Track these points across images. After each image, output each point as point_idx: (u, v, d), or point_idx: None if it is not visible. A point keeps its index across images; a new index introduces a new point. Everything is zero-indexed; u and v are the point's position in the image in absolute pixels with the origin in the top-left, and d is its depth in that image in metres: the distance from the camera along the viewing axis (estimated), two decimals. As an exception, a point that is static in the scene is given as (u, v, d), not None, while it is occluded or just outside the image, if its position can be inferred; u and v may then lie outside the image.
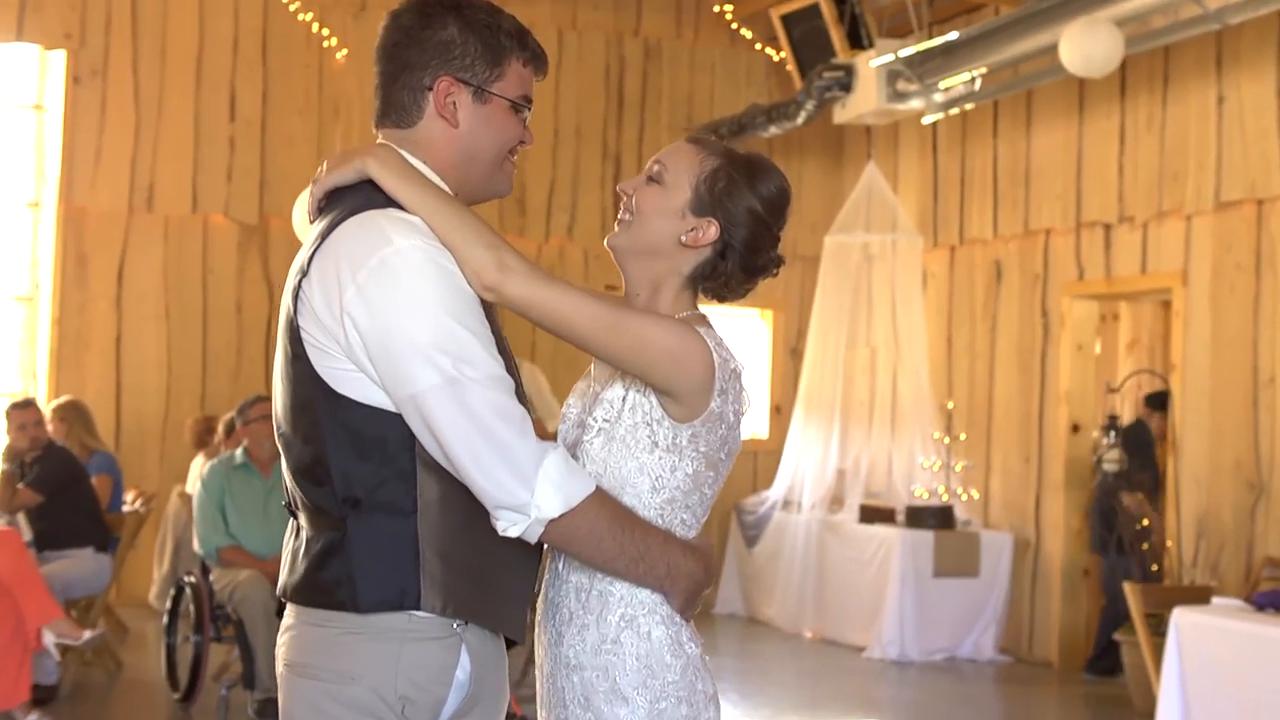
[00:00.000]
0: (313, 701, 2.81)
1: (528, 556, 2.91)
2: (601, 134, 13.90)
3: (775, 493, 13.33)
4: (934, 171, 13.10)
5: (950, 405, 12.50)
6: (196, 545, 8.92)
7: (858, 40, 12.05)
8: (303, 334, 2.79)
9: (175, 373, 12.64)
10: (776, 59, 13.76)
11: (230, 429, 9.78)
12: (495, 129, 2.93)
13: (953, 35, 10.99)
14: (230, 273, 12.77)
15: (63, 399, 10.92)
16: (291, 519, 2.96)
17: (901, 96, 11.53)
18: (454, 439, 2.68)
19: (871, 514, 12.24)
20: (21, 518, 9.38)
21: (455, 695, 2.82)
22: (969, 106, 11.63)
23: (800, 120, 12.41)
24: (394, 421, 2.76)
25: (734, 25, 13.73)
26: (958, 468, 12.16)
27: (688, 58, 14.17)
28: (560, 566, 2.96)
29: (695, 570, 2.90)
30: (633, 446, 2.89)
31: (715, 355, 2.85)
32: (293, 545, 2.92)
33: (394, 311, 2.69)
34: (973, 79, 11.14)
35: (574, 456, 2.94)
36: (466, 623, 2.82)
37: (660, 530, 2.88)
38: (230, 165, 12.82)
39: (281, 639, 2.92)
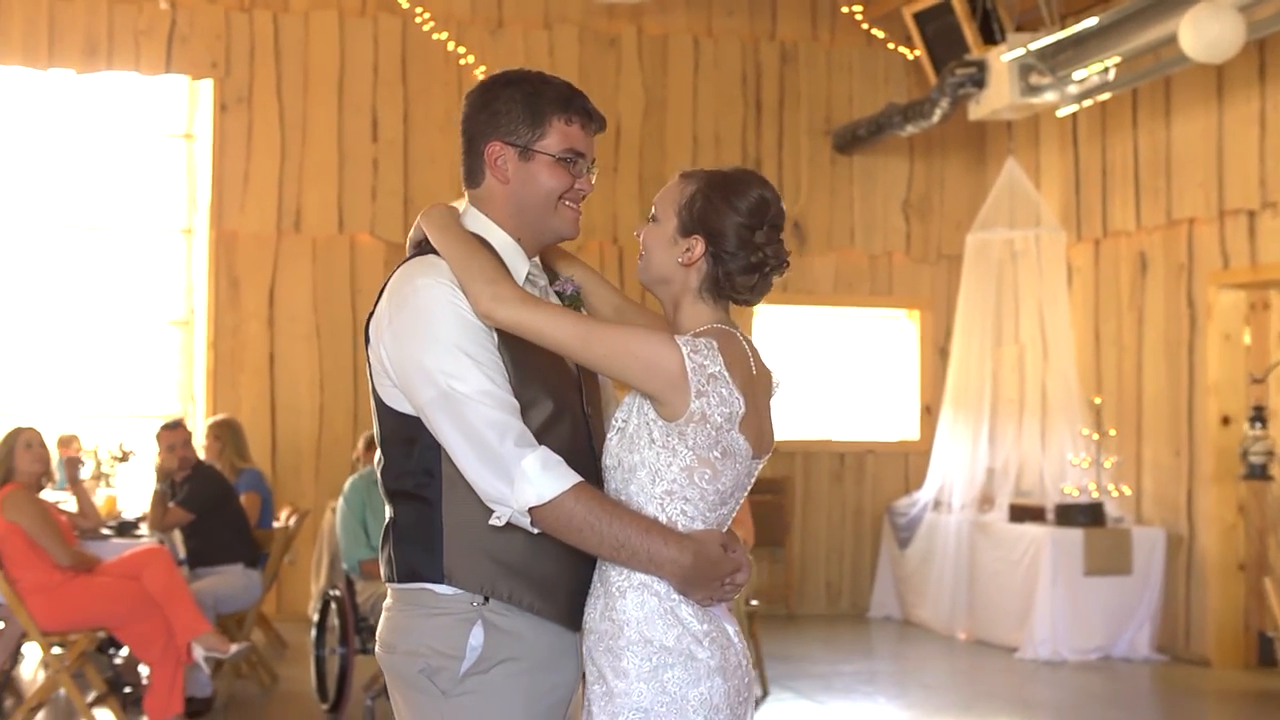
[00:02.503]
0: (384, 669, 3.41)
1: (568, 548, 3.27)
2: (741, 140, 13.92)
3: (926, 494, 13.26)
4: (1075, 164, 12.93)
5: (1098, 401, 12.32)
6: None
7: (990, 35, 11.96)
8: (369, 359, 3.42)
9: (328, 390, 12.89)
10: (911, 57, 13.69)
11: (369, 444, 9.94)
12: (541, 181, 3.42)
13: (1083, 25, 10.84)
14: (378, 290, 12.91)
15: (218, 417, 11.17)
16: None
17: (1035, 90, 11.41)
18: (450, 442, 3.23)
19: (1021, 513, 12.12)
20: (176, 536, 9.64)
21: (469, 658, 3.26)
22: (1105, 97, 11.47)
23: (935, 118, 12.34)
24: (421, 426, 3.30)
25: (864, 26, 13.67)
26: (1107, 464, 11.99)
27: (824, 60, 14.13)
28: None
29: (679, 558, 3.21)
30: (637, 442, 3.27)
31: (688, 361, 3.19)
32: None
33: (407, 338, 3.27)
34: (1106, 69, 10.98)
35: (603, 452, 3.38)
36: (487, 600, 3.27)
37: (643, 520, 3.24)
38: (374, 185, 13.06)
39: None
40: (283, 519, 10.76)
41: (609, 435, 3.35)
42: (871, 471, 14.12)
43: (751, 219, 3.32)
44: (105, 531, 9.39)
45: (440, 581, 3.28)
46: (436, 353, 3.22)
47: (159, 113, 13.25)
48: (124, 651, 9.35)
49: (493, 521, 3.21)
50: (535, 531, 3.20)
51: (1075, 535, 11.52)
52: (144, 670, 9.04)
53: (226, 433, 10.77)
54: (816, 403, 14.22)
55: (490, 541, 3.26)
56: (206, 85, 12.92)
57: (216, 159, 12.79)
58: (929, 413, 14.10)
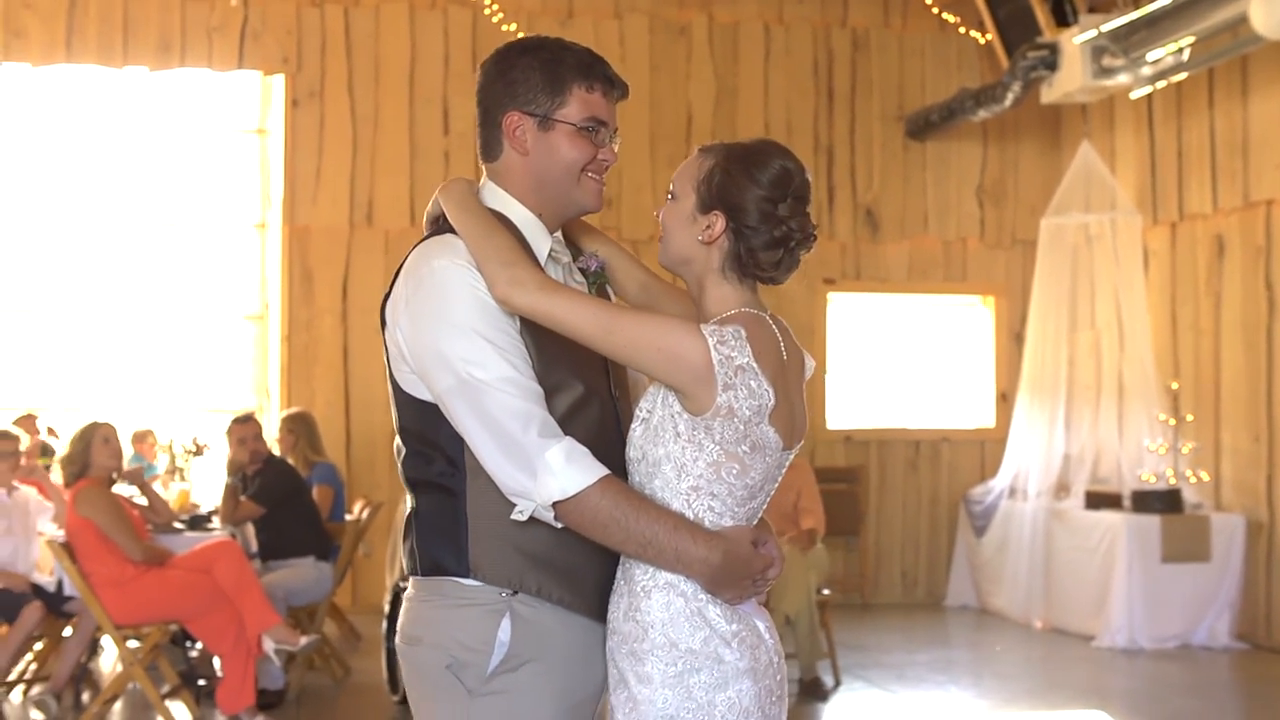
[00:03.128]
0: (405, 663, 3.30)
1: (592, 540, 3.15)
2: (813, 128, 13.85)
3: (1002, 481, 13.15)
4: (1150, 147, 12.77)
5: (1175, 386, 12.17)
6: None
7: (1062, 17, 11.84)
8: (385, 343, 3.28)
9: (401, 383, 12.90)
10: (983, 41, 13.56)
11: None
12: (563, 152, 3.27)
13: (1156, 5, 10.69)
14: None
15: (292, 410, 11.24)
16: None
17: (1108, 72, 11.28)
18: (470, 433, 3.11)
19: (1097, 500, 11.99)
20: (249, 529, 9.71)
21: (497, 654, 3.15)
22: (1180, 78, 11.32)
23: (1008, 102, 12.22)
24: (443, 415, 3.17)
25: (935, 10, 13.56)
26: (1185, 450, 11.84)
27: (896, 46, 14.03)
28: None
29: (709, 556, 3.09)
30: (662, 435, 3.13)
31: (714, 352, 3.05)
32: None
33: (424, 320, 3.14)
34: (1180, 49, 10.83)
35: (628, 443, 3.24)
36: (516, 593, 3.16)
37: (673, 517, 3.10)
38: (446, 177, 12.94)
39: None
40: (355, 512, 10.82)
41: (633, 426, 3.21)
42: (947, 459, 14.02)
43: (773, 191, 3.17)
44: (177, 525, 9.47)
45: (466, 575, 3.17)
46: (454, 338, 3.08)
47: (232, 109, 13.35)
48: (198, 645, 9.42)
49: (514, 516, 3.09)
50: (558, 526, 3.09)
51: (1152, 522, 11.39)
52: (216, 663, 9.13)
53: (300, 426, 10.83)
54: (891, 391, 14.14)
55: (516, 533, 3.14)
56: (278, 81, 13.00)
57: (289, 154, 12.87)
58: (1004, 400, 13.98)
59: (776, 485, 3.26)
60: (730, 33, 13.69)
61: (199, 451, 11.09)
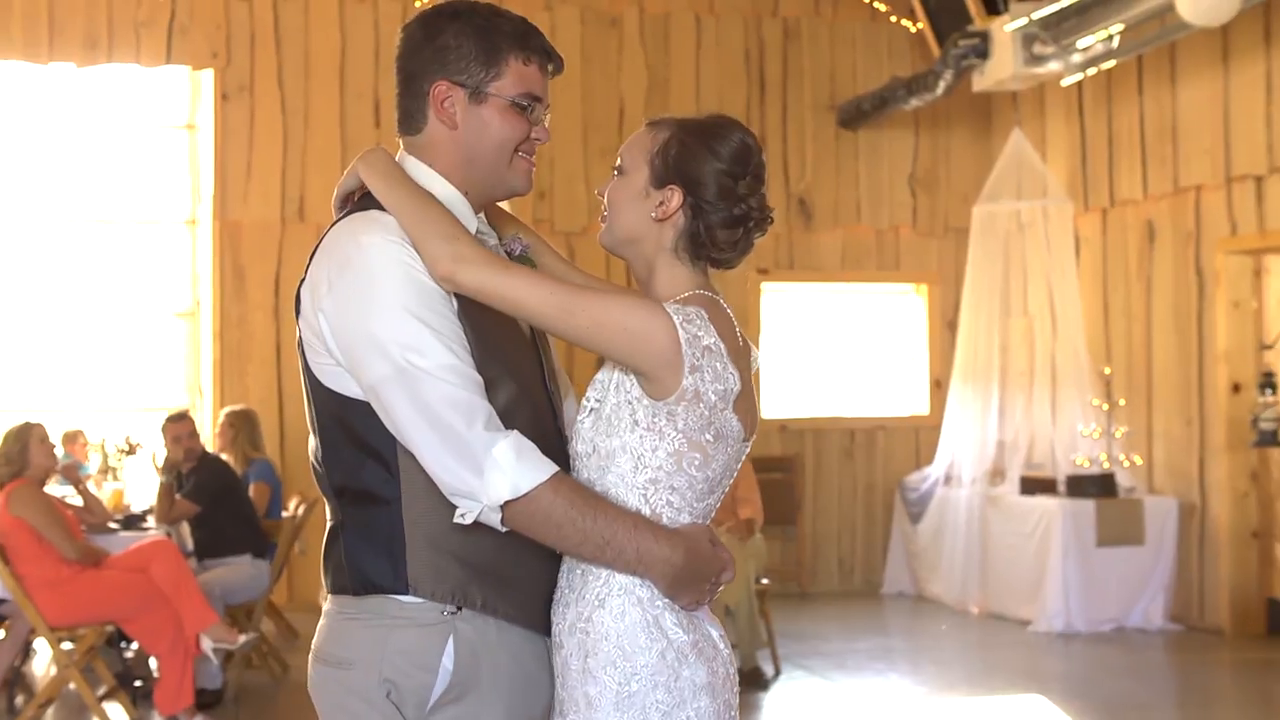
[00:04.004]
0: (322, 686, 2.97)
1: (538, 545, 2.91)
2: (745, 117, 13.83)
3: (937, 469, 13.21)
4: (1081, 134, 12.85)
5: (1108, 371, 12.26)
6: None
7: (993, 5, 11.90)
8: (300, 333, 2.97)
9: (335, 378, 12.83)
10: (914, 30, 13.61)
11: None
12: (495, 128, 3.00)
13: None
14: (383, 277, 12.91)
15: (235, 407, 11.14)
16: None
17: (1039, 60, 11.34)
18: (407, 427, 2.80)
19: (1032, 485, 12.07)
20: (184, 528, 9.63)
21: (440, 682, 2.87)
22: (1109, 65, 11.40)
23: (940, 91, 12.27)
24: (373, 413, 2.86)
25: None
26: (1118, 434, 11.94)
27: (828, 35, 14.06)
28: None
29: (671, 555, 2.86)
30: (616, 425, 2.91)
31: (681, 331, 2.84)
32: None
33: (353, 305, 2.82)
34: (1110, 37, 10.90)
35: (572, 437, 3.01)
36: (460, 609, 2.88)
37: (630, 515, 2.88)
38: (378, 172, 12.97)
39: None
40: (291, 509, 10.75)
41: (580, 417, 2.98)
42: (882, 447, 14.07)
43: (734, 166, 2.97)
44: (112, 525, 9.38)
45: (404, 592, 2.87)
46: (390, 322, 2.78)
47: (160, 104, 13.22)
48: (134, 645, 9.34)
49: (457, 519, 2.78)
50: (504, 530, 2.81)
51: (1087, 506, 11.47)
52: (153, 663, 9.05)
53: (242, 422, 10.76)
54: (826, 380, 14.18)
55: (458, 542, 2.86)
56: (207, 75, 12.88)
57: (219, 149, 12.76)
58: (938, 387, 14.04)
59: (731, 481, 3.03)
60: (661, 23, 13.68)
61: (131, 451, 11.00)
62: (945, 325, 14.12)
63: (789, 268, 13.83)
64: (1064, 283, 12.49)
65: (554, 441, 2.98)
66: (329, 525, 3.00)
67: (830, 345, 14.25)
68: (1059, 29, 11.09)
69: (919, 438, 14.06)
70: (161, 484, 9.48)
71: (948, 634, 11.74)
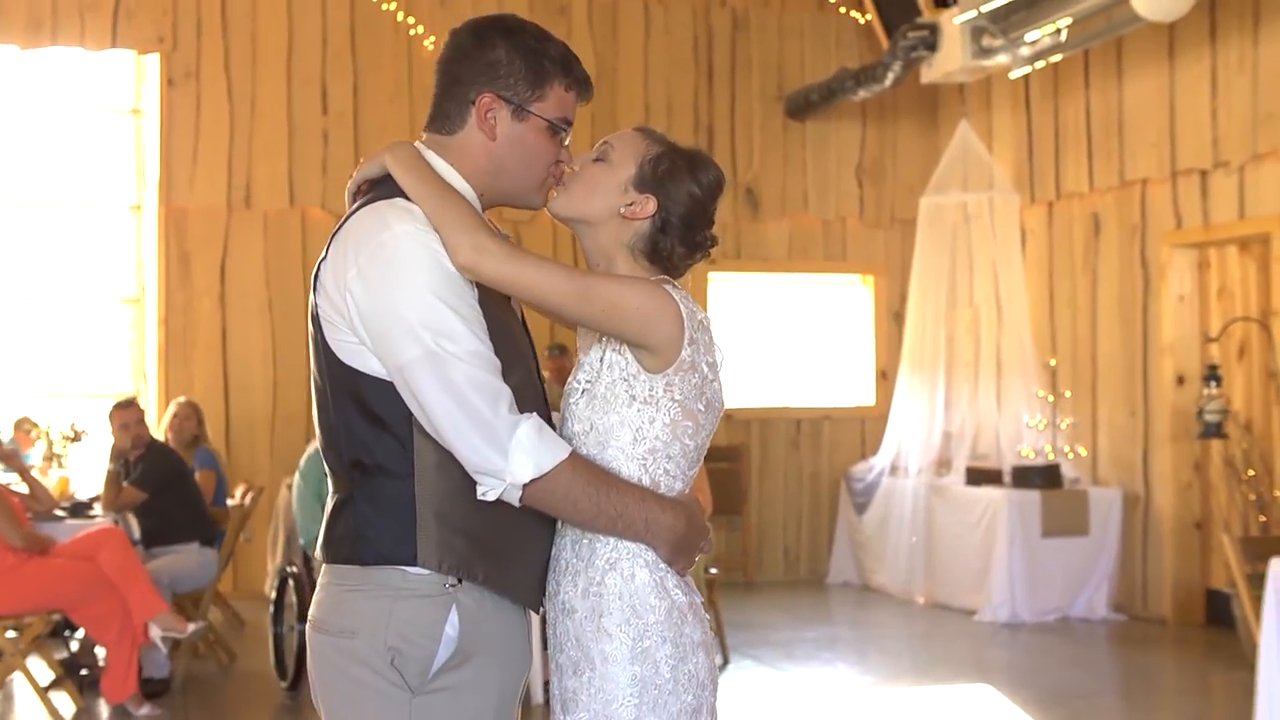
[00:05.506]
0: (324, 655, 3.12)
1: (538, 523, 3.14)
2: (693, 107, 13.87)
3: (883, 459, 13.27)
4: (1028, 126, 12.93)
5: (1053, 362, 12.36)
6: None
7: (941, -2, 11.94)
8: (319, 310, 3.12)
9: (281, 366, 12.81)
10: (863, 22, 13.66)
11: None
12: (529, 146, 3.20)
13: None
14: (330, 264, 12.85)
15: (186, 399, 11.10)
16: None
17: (987, 52, 11.40)
18: (435, 408, 2.96)
19: (978, 476, 12.14)
20: (130, 516, 9.57)
21: (444, 649, 3.04)
22: (1057, 58, 11.47)
23: (888, 82, 12.32)
24: (392, 390, 3.03)
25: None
26: (1063, 425, 12.03)
27: (776, 25, 14.08)
28: (560, 524, 3.20)
29: (675, 523, 3.10)
30: (612, 402, 3.12)
31: (682, 306, 3.09)
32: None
33: (385, 289, 2.98)
34: (1058, 30, 10.98)
35: (564, 419, 3.21)
36: (461, 581, 3.05)
37: (637, 487, 3.10)
38: (325, 158, 12.95)
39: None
40: (238, 496, 10.70)
41: (573, 399, 3.18)
42: (828, 437, 14.13)
43: (707, 198, 3.23)
44: (59, 513, 9.31)
45: (413, 563, 3.02)
46: (421, 306, 2.95)
47: (105, 88, 13.11)
48: (79, 634, 9.28)
49: (480, 496, 2.96)
50: (519, 506, 3.00)
51: (1032, 497, 11.56)
52: (100, 652, 8.99)
53: (195, 412, 10.75)
54: (772, 370, 14.21)
55: (467, 518, 3.04)
56: (153, 60, 12.79)
57: (165, 134, 12.67)
58: (885, 378, 14.11)
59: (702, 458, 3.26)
60: (610, 11, 13.67)
61: (77, 438, 10.91)
62: (891, 316, 14.18)
63: (736, 257, 13.85)
64: (1010, 274, 12.57)
65: (550, 423, 3.13)
66: (336, 498, 3.14)
67: (777, 335, 14.29)
68: (1007, 22, 11.16)
69: (865, 428, 14.12)
70: (108, 471, 9.41)
71: (894, 624, 11.80)
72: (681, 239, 3.22)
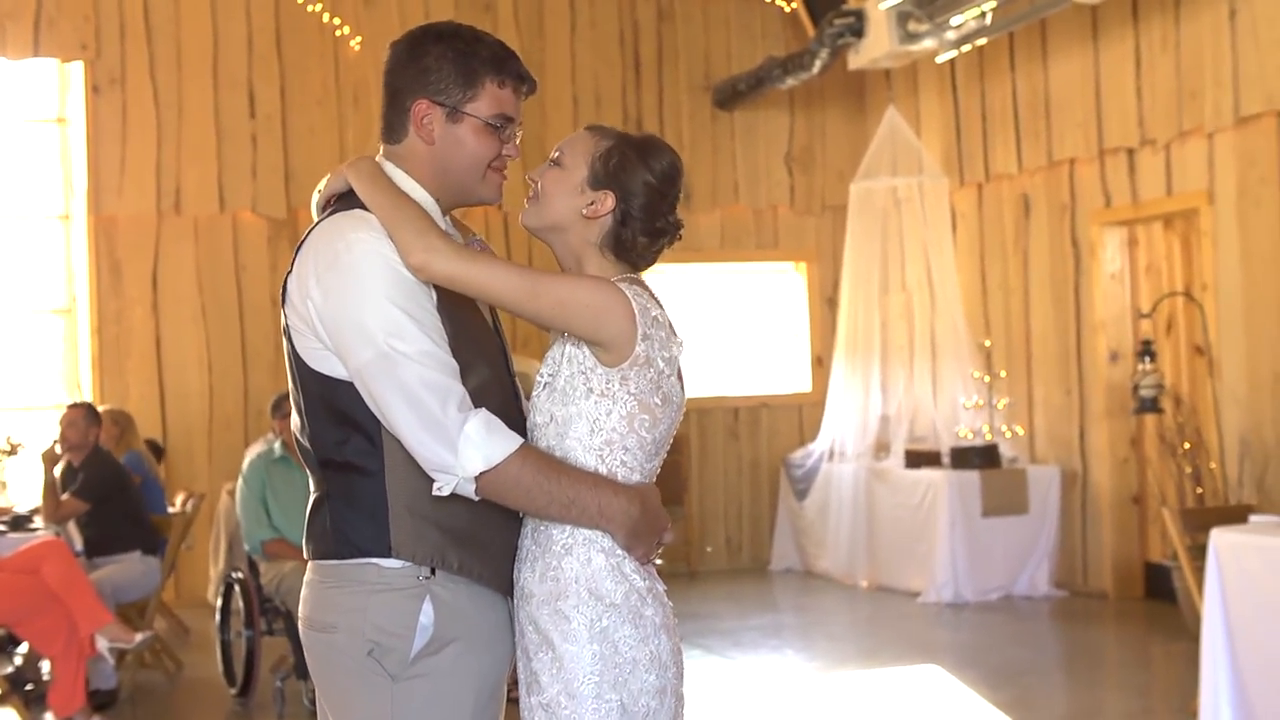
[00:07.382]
0: (313, 650, 3.29)
1: (506, 513, 3.23)
2: (621, 99, 13.89)
3: (821, 444, 13.34)
4: (955, 110, 13.03)
5: (988, 343, 12.46)
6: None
7: (867, -16, 11.98)
8: (288, 321, 3.25)
9: (216, 371, 12.75)
10: (789, 10, 13.70)
11: (282, 411, 9.78)
12: (469, 146, 3.31)
13: (958, -28, 10.91)
14: (262, 268, 12.84)
15: (112, 406, 11.02)
16: None
17: (913, 37, 11.46)
18: (389, 408, 3.10)
19: (917, 458, 12.23)
20: (72, 526, 9.49)
21: (419, 639, 3.16)
22: (982, 42, 11.56)
23: (815, 70, 12.38)
24: (357, 392, 3.16)
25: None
26: (1000, 405, 12.14)
27: (701, 15, 14.11)
28: (520, 514, 3.29)
29: (629, 508, 3.19)
30: (571, 394, 3.22)
31: (634, 303, 3.18)
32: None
33: (342, 295, 3.13)
34: (983, 14, 11.06)
35: (530, 410, 3.32)
36: (435, 572, 3.17)
37: (590, 475, 3.20)
38: (254, 162, 12.89)
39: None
40: (179, 504, 10.63)
41: (536, 392, 3.29)
42: (766, 425, 14.19)
43: (663, 184, 3.32)
44: (-1, 526, 9.23)
45: (387, 555, 3.17)
46: (376, 310, 3.09)
47: (29, 97, 12.98)
48: (23, 648, 9.20)
49: (435, 491, 3.09)
50: (477, 499, 3.11)
51: (971, 477, 11.66)
52: (45, 666, 8.91)
53: (125, 419, 10.69)
54: (708, 359, 14.24)
55: (436, 510, 3.16)
56: (77, 68, 12.68)
57: (91, 143, 12.57)
58: (820, 364, 14.17)
59: (668, 448, 3.35)
60: (535, 6, 13.67)
61: (13, 451, 10.81)
62: (825, 302, 14.25)
63: (668, 248, 13.81)
64: (941, 257, 12.66)
65: (518, 420, 3.29)
66: (313, 497, 3.29)
67: (712, 325, 14.32)
68: (933, 6, 11.23)
69: (802, 414, 14.19)
70: (45, 482, 9.33)
71: (838, 608, 11.87)
72: (643, 228, 3.31)
